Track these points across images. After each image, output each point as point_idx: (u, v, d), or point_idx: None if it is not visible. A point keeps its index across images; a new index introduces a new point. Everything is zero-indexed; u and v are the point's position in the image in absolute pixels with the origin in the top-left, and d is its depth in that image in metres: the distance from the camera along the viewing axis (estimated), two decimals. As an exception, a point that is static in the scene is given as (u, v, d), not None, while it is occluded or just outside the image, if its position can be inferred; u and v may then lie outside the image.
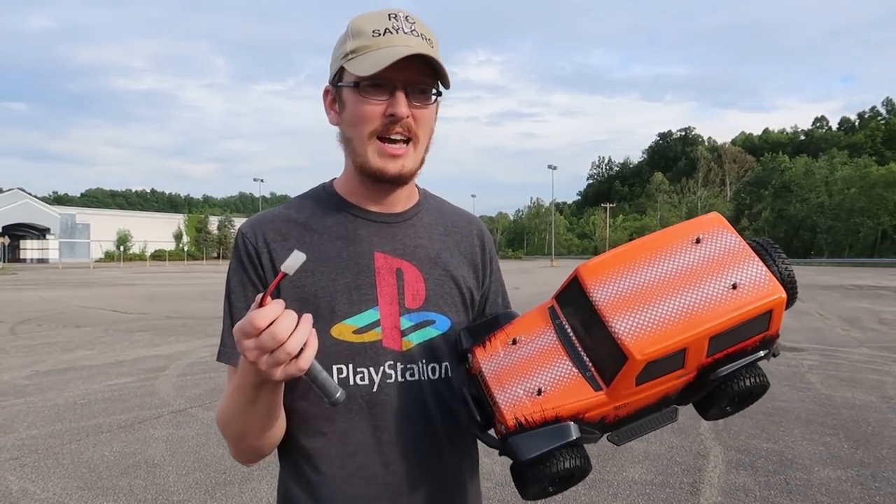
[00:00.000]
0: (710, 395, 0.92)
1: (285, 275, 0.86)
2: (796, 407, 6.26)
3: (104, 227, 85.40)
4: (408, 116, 1.06)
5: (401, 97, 1.05)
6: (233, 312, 1.13)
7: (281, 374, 0.87)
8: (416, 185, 1.27)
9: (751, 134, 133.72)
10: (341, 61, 1.08)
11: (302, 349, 0.86)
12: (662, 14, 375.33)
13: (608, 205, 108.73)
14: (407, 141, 1.09)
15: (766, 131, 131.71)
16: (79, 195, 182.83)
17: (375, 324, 1.11)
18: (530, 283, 28.88)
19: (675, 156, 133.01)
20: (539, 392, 0.92)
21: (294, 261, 0.86)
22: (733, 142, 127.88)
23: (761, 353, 0.91)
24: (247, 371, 0.95)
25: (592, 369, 0.91)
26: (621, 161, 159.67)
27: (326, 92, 1.16)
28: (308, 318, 0.88)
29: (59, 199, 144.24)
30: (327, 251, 1.13)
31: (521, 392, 0.93)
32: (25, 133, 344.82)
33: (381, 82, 1.05)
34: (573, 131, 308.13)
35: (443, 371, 1.15)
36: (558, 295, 1.00)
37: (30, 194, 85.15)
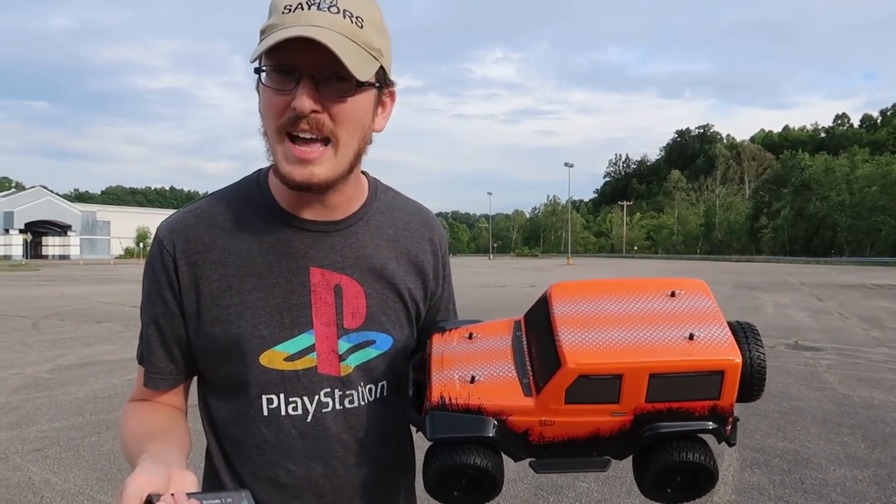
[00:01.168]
0: (647, 458, 0.89)
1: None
2: (813, 406, 6.20)
3: (124, 224, 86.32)
4: (315, 111, 0.89)
5: (304, 87, 0.88)
6: (145, 333, 1.05)
7: None
8: (367, 176, 1.12)
9: (770, 131, 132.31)
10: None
11: None
12: (681, 10, 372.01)
13: (625, 203, 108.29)
14: (326, 142, 0.92)
15: (786, 129, 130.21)
16: (99, 193, 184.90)
17: (310, 349, 1.00)
18: (546, 281, 28.55)
19: (693, 153, 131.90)
20: (472, 380, 0.91)
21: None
22: (752, 139, 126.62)
23: (709, 425, 0.87)
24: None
25: (531, 376, 0.90)
26: (639, 159, 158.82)
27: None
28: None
29: (80, 197, 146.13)
30: (256, 266, 1.00)
31: (456, 376, 0.92)
32: (47, 131, 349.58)
33: (286, 68, 0.89)
34: (590, 129, 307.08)
35: (379, 391, 1.07)
36: (528, 312, 1.00)
37: (52, 192, 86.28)
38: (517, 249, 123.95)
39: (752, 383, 0.88)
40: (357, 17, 0.90)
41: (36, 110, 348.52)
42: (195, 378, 1.11)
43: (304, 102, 0.88)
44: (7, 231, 73.42)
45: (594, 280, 0.97)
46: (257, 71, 0.92)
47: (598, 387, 0.83)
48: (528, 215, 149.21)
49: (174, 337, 1.03)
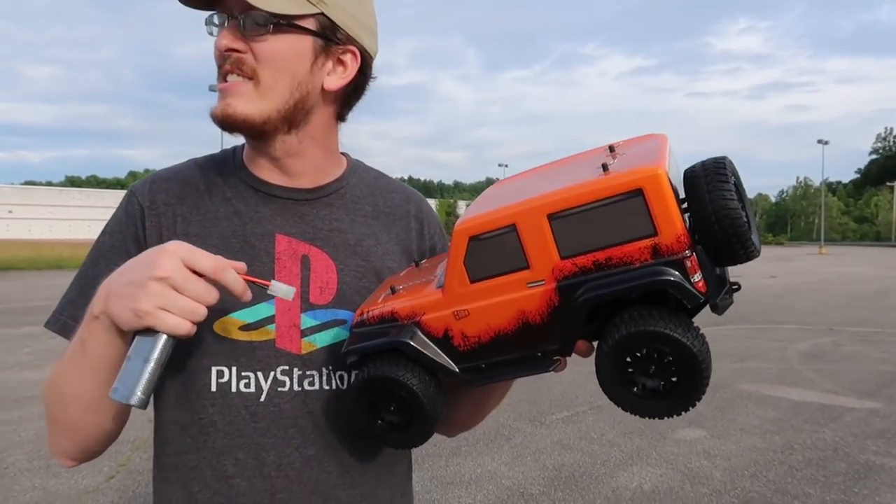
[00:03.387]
0: (599, 344, 0.69)
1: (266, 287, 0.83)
2: None
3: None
4: (235, 50, 0.88)
5: (224, 26, 0.89)
6: (87, 274, 0.95)
7: (171, 321, 0.76)
8: (347, 156, 1.08)
9: None
10: None
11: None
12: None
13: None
14: (249, 79, 0.89)
15: None
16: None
17: (269, 320, 0.92)
18: (790, 272, 25.94)
19: None
20: (392, 290, 0.82)
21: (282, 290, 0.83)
22: None
23: (663, 273, 0.63)
24: (107, 320, 0.79)
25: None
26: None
27: None
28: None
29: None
30: (220, 228, 0.95)
31: (381, 293, 0.84)
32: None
33: (213, 9, 0.89)
34: (852, 101, 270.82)
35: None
36: None
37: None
38: (761, 236, 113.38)
39: (717, 230, 0.65)
40: None
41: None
42: None
43: (221, 40, 0.88)
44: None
45: (546, 164, 0.85)
46: (207, 23, 0.91)
47: (496, 249, 0.70)
48: (773, 199, 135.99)
49: None
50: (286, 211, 0.97)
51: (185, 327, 0.77)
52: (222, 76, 0.90)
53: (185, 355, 0.92)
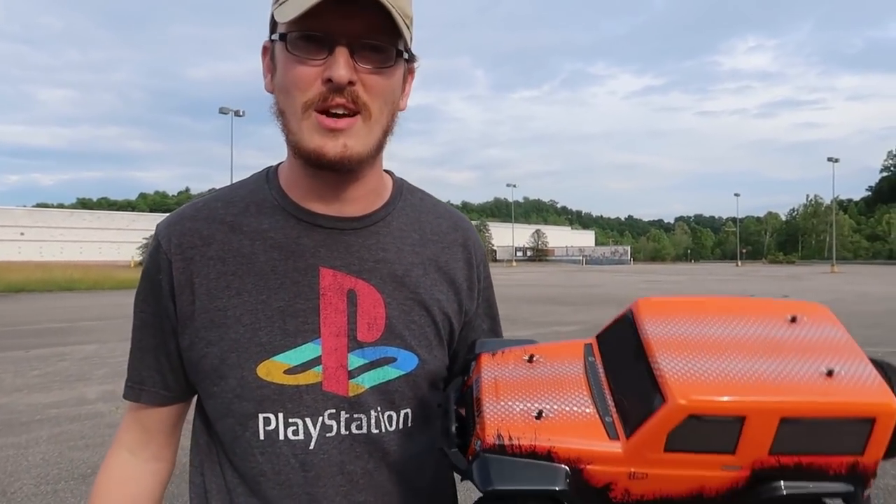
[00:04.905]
0: None
1: None
2: None
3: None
4: (351, 83, 0.79)
5: (341, 56, 0.78)
6: (133, 338, 0.95)
7: None
8: (392, 175, 1.01)
9: None
10: (272, 7, 0.82)
11: None
12: None
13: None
14: (354, 114, 0.82)
15: None
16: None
17: (315, 361, 0.86)
18: (802, 290, 25.73)
19: None
20: (539, 415, 0.71)
21: None
22: None
23: (842, 489, 0.65)
24: None
25: (615, 414, 0.70)
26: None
27: (265, 49, 0.89)
28: None
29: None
30: (259, 264, 0.88)
31: (518, 409, 0.72)
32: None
33: (317, 34, 0.79)
34: (863, 118, 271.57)
35: (401, 420, 0.91)
36: (601, 332, 0.80)
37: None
38: (770, 255, 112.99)
39: None
40: None
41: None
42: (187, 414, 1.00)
43: (342, 72, 0.79)
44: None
45: (690, 297, 0.77)
46: (283, 37, 0.81)
47: (710, 431, 0.65)
48: (783, 217, 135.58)
49: (164, 345, 0.92)
50: (331, 241, 0.91)
51: None
52: (322, 109, 0.81)
53: (233, 402, 0.88)
